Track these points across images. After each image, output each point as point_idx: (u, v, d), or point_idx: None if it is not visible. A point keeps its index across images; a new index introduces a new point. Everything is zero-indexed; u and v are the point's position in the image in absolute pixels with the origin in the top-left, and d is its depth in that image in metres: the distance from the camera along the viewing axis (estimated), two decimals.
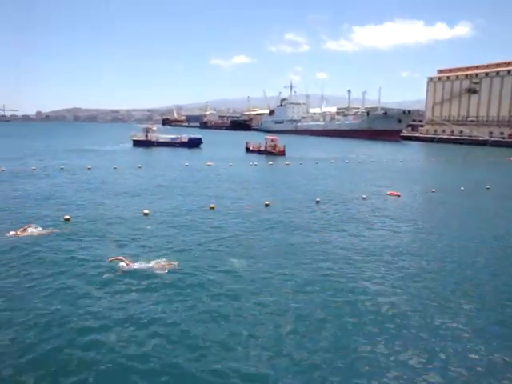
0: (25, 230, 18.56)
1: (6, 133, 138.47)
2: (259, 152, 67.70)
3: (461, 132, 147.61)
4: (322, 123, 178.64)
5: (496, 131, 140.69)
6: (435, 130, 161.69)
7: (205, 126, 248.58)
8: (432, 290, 13.72)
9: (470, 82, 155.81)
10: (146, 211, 23.03)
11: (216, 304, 12.22)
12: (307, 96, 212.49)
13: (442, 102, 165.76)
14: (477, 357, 9.95)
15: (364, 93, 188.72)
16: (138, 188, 32.71)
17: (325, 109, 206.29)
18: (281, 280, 14.15)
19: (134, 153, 68.47)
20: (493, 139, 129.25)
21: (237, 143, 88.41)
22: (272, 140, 68.39)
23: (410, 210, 27.46)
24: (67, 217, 21.31)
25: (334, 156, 66.12)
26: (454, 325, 11.42)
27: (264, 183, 37.24)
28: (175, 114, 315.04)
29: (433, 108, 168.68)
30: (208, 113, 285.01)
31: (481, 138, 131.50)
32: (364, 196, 30.37)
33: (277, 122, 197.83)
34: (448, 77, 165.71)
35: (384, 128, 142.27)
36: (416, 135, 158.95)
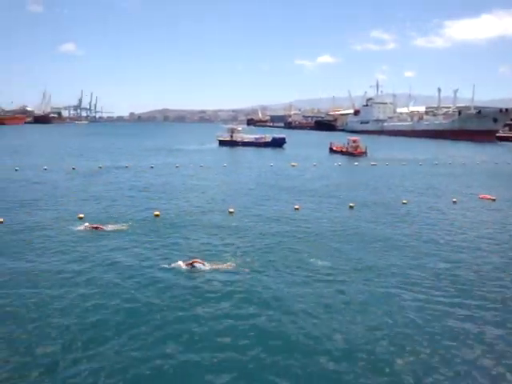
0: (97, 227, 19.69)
1: (106, 132, 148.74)
2: (342, 153, 67.16)
3: None
4: (410, 123, 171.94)
5: None
6: None
7: (289, 126, 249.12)
8: None
9: None
10: (231, 209, 23.66)
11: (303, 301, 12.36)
12: (394, 95, 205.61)
13: None
14: None
15: (456, 91, 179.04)
16: (223, 186, 33.71)
17: (412, 108, 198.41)
18: (365, 283, 13.97)
19: (220, 152, 70.43)
20: None
21: (320, 144, 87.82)
22: (354, 141, 68.05)
23: (505, 215, 25.69)
24: (157, 213, 22.55)
25: (423, 157, 63.42)
26: None
27: (348, 184, 36.69)
28: (260, 115, 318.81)
29: None
30: (292, 113, 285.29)
31: None
32: (454, 199, 28.95)
33: (362, 122, 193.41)
34: None
35: (477, 128, 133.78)
36: None
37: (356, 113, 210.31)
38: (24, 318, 11.10)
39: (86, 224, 19.74)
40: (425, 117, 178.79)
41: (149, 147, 77.82)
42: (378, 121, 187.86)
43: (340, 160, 56.55)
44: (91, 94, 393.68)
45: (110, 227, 19.73)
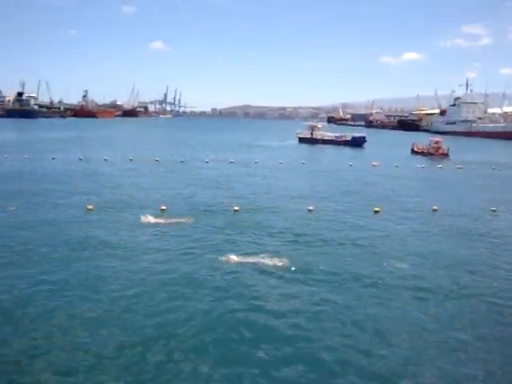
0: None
1: (188, 126, 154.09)
2: (423, 154, 64.92)
3: None
4: (503, 125, 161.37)
5: None
6: None
7: (370, 124, 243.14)
8: None
9: None
10: (310, 207, 23.66)
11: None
12: (486, 95, 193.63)
13: None
14: None
15: None
16: (302, 184, 33.77)
17: (507, 109, 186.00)
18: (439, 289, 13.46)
19: (299, 149, 70.49)
20: None
21: (402, 144, 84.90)
22: (436, 142, 66.57)
23: None
24: (236, 208, 23.10)
25: None
26: None
27: (432, 187, 35.34)
28: (340, 113, 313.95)
29: None
30: (374, 111, 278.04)
31: None
32: None
33: (448, 123, 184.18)
34: None
35: None
36: None
37: (442, 113, 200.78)
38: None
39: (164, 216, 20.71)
40: None
41: (229, 142, 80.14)
42: (465, 122, 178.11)
43: (422, 162, 54.41)
44: (175, 89, 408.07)
45: (187, 220, 20.53)
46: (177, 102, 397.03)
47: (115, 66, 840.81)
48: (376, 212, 23.98)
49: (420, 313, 11.76)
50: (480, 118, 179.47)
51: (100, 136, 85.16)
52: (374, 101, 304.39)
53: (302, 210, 23.59)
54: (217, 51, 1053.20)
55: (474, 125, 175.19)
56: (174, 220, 20.27)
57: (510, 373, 9.38)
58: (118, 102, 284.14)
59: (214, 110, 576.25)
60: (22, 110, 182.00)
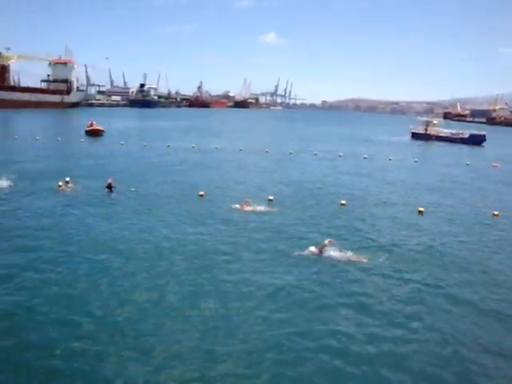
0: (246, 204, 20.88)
1: (298, 118, 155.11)
2: None
3: None
4: None
5: None
6: None
7: (492, 122, 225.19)
8: None
9: None
10: (420, 208, 22.60)
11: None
12: None
13: None
14: None
15: None
16: (412, 182, 32.46)
17: None
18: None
19: (411, 146, 67.58)
20: None
21: None
22: None
23: None
24: (343, 202, 23.08)
25: None
26: None
27: None
28: (459, 108, 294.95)
29: None
30: (498, 107, 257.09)
31: None
32: None
33: None
34: None
35: None
36: None
37: None
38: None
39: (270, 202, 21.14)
40: None
41: (339, 135, 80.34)
42: None
43: None
44: (287, 81, 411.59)
45: (288, 209, 20.81)
46: (287, 94, 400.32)
47: (228, 58, 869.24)
48: (495, 215, 22.34)
49: None
50: None
51: (211, 126, 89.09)
52: (498, 95, 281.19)
53: (412, 212, 22.54)
54: (329, 42, 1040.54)
55: None
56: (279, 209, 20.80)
57: None
58: (231, 94, 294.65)
59: (324, 102, 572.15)
60: (143, 100, 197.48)
